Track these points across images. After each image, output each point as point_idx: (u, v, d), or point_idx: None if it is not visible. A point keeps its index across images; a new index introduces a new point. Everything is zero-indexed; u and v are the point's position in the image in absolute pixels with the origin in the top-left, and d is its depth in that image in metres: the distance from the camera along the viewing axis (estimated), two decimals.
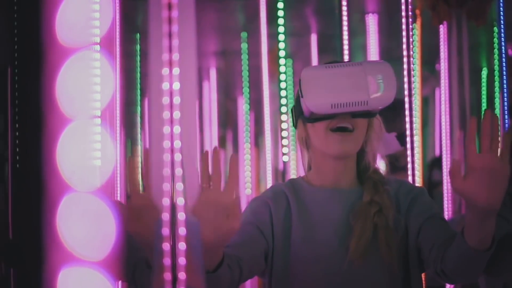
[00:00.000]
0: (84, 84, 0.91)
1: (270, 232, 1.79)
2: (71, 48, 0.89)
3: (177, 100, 1.00)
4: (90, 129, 0.90)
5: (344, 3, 3.10)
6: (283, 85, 3.99)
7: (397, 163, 2.76)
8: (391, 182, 1.85)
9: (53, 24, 0.89)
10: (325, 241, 1.76)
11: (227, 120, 8.04)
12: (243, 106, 5.87)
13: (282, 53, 4.09)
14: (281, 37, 4.12)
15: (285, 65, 4.03)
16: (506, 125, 3.36)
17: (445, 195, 4.21)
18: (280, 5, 4.17)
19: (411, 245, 1.78)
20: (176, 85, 1.00)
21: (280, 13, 4.16)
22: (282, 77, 3.98)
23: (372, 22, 5.10)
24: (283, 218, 1.80)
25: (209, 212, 1.48)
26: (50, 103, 0.88)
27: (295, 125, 1.89)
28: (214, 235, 1.48)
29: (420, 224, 1.78)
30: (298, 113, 1.85)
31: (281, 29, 4.15)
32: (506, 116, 3.36)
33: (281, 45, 4.10)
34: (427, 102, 7.18)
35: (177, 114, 1.00)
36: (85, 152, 0.90)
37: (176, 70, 1.00)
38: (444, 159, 4.41)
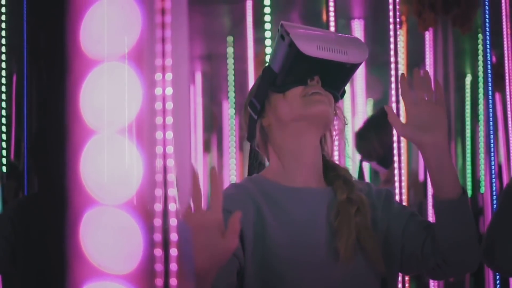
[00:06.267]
0: (109, 96, 0.90)
1: (241, 245, 1.66)
2: (96, 59, 0.88)
3: (169, 105, 1.00)
4: (116, 142, 0.89)
5: (331, 8, 3.11)
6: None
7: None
8: (358, 183, 1.83)
9: (78, 34, 0.88)
10: (313, 246, 1.71)
11: (212, 124, 8.03)
12: (228, 110, 5.88)
13: (268, 58, 4.09)
14: (268, 41, 4.13)
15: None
16: (491, 130, 3.37)
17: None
18: (267, 9, 4.18)
19: (394, 246, 1.78)
20: (169, 91, 1.00)
21: (267, 17, 4.17)
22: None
23: (358, 27, 5.12)
24: (254, 223, 1.70)
25: (200, 236, 1.40)
26: (74, 114, 0.87)
27: (259, 113, 1.80)
28: (209, 259, 1.40)
29: (403, 224, 1.78)
30: (264, 90, 1.79)
31: (267, 33, 4.15)
32: (491, 121, 3.38)
33: (268, 49, 4.10)
34: None
35: (169, 120, 1.00)
36: (110, 165, 0.89)
37: (169, 76, 1.00)
38: None
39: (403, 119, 1.89)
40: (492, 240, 2.03)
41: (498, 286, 3.22)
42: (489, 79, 3.36)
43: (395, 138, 2.62)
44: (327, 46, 1.75)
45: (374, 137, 3.48)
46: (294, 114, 1.76)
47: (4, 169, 3.42)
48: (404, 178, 2.65)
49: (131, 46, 0.91)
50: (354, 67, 1.81)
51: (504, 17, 3.59)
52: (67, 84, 0.88)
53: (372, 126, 3.55)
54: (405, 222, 1.79)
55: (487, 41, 3.38)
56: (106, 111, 0.89)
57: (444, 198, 1.71)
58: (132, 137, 0.90)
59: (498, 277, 3.25)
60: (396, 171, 2.62)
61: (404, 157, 2.67)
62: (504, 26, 3.58)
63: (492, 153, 3.34)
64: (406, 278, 2.59)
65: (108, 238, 0.87)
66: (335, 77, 1.80)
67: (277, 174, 1.80)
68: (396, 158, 2.61)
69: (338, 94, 1.84)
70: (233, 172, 5.76)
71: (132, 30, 0.91)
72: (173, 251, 0.99)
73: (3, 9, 3.57)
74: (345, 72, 1.81)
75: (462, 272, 1.81)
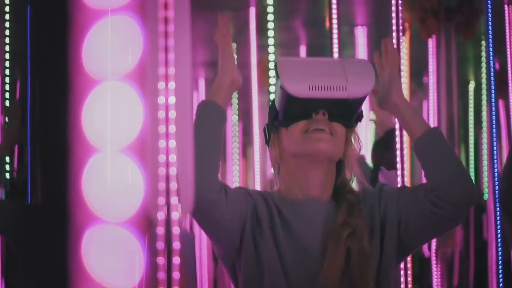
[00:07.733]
0: (111, 115, 0.91)
1: (244, 224, 1.74)
2: (98, 79, 0.89)
3: (172, 114, 1.00)
4: (118, 160, 0.90)
5: (334, 15, 3.12)
6: (272, 96, 4.00)
7: None
8: (359, 194, 1.83)
9: (80, 54, 0.89)
10: (307, 256, 1.74)
11: None
12: (231, 116, 5.88)
13: (271, 65, 4.10)
14: (271, 48, 4.14)
15: (274, 76, 4.04)
16: (495, 137, 3.37)
17: None
18: (270, 17, 4.19)
19: (391, 235, 1.77)
20: (172, 100, 1.00)
21: (270, 25, 4.18)
22: (271, 88, 3.99)
23: (361, 34, 5.13)
24: (268, 226, 1.75)
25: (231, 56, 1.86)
26: (76, 132, 0.87)
27: (268, 141, 1.84)
28: (233, 73, 1.80)
29: (397, 197, 1.78)
30: (271, 122, 1.82)
31: (270, 40, 4.16)
32: (494, 128, 3.38)
33: (271, 56, 4.11)
34: None
35: (172, 128, 1.00)
36: (111, 183, 0.90)
37: (172, 85, 1.00)
38: None
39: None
40: (506, 185, 2.04)
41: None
42: (492, 85, 3.36)
43: (397, 139, 2.63)
44: (321, 84, 1.71)
45: None
46: (295, 150, 1.77)
47: (7, 175, 3.44)
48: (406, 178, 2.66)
49: (133, 64, 0.91)
50: (358, 100, 1.76)
51: (507, 24, 3.59)
52: (70, 103, 0.88)
53: (395, 135, 3.54)
54: (398, 195, 1.79)
55: (490, 47, 3.38)
56: (108, 130, 0.90)
57: (417, 136, 1.76)
58: (135, 155, 0.91)
59: (501, 282, 3.25)
60: (399, 172, 2.63)
61: (407, 158, 2.67)
62: (507, 33, 3.58)
63: (496, 160, 3.34)
64: (409, 284, 2.59)
65: (110, 254, 0.87)
66: (341, 108, 1.76)
67: (285, 190, 1.82)
68: (398, 159, 2.62)
69: (351, 122, 1.80)
70: (236, 178, 5.76)
71: (134, 48, 0.91)
72: (176, 260, 0.99)
73: (7, 16, 3.59)
74: (350, 104, 1.76)
75: (460, 206, 1.74)
